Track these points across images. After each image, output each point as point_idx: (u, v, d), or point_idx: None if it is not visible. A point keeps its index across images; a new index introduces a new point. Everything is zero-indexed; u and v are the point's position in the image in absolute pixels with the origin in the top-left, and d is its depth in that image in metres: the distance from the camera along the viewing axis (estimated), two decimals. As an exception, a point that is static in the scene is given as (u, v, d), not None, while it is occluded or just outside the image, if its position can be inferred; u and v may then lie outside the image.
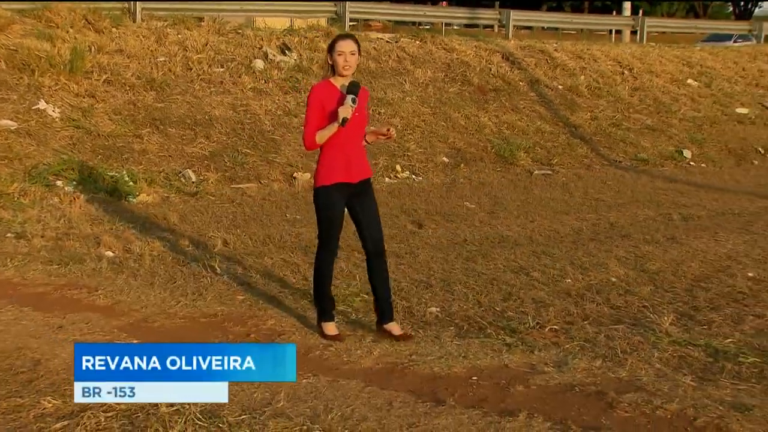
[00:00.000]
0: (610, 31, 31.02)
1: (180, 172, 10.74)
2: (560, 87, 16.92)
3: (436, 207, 10.65)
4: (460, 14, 23.76)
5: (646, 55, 19.40)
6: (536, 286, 6.85)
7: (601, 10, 54.89)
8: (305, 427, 3.76)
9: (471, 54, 16.96)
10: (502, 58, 17.32)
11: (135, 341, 5.25)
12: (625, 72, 18.32)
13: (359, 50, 5.08)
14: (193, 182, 10.57)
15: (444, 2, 52.95)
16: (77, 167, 10.04)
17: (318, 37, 15.52)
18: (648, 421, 4.10)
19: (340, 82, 5.03)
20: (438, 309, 6.13)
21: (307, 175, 11.26)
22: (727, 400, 4.32)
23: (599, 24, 28.40)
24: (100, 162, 10.44)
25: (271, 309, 6.11)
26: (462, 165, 13.07)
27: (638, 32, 23.14)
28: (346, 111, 4.83)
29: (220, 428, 3.76)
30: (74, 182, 9.77)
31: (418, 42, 16.76)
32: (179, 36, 14.04)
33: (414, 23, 26.55)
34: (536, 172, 13.36)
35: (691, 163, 15.03)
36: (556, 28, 28.17)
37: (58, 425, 3.77)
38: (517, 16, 21.21)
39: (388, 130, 5.28)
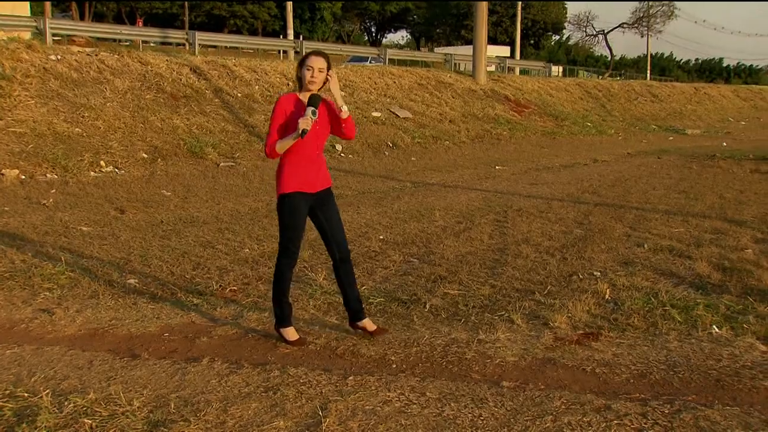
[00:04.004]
0: (279, 51, 31.40)
1: None
2: (239, 95, 16.84)
3: (136, 195, 10.19)
4: (153, 33, 22.75)
5: (306, 71, 19.84)
6: (220, 256, 6.81)
7: (272, 34, 55.40)
8: (8, 392, 3.44)
9: (164, 66, 16.33)
10: (191, 70, 16.88)
11: None
12: (290, 83, 18.62)
13: (329, 68, 4.25)
14: None
15: (140, 22, 50.39)
16: None
17: (20, 48, 14.07)
18: (303, 354, 4.27)
19: (303, 96, 4.27)
20: (136, 280, 5.88)
21: (15, 172, 10.23)
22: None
23: (270, 45, 28.56)
24: None
25: (-22, 291, 5.48)
26: (159, 160, 12.59)
27: (300, 52, 23.64)
28: (306, 123, 4.07)
29: None
30: None
31: (116, 56, 15.80)
32: None
33: (115, 40, 24.96)
34: (222, 164, 13.22)
35: (342, 154, 15.67)
36: (237, 47, 27.96)
37: None
38: (201, 37, 20.69)
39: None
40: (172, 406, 3.42)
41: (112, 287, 5.68)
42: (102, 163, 11.68)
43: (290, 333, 4.42)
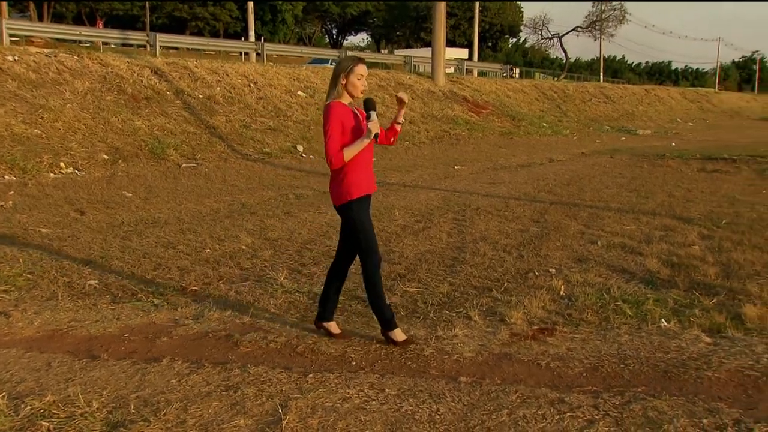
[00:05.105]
0: (241, 53, 31.16)
1: None
2: (201, 96, 16.65)
3: (97, 197, 10.01)
4: (113, 35, 22.38)
5: (267, 72, 19.73)
6: (181, 256, 6.73)
7: (234, 36, 54.90)
8: (-37, 396, 3.36)
9: (124, 68, 16.07)
10: (152, 72, 16.63)
11: None
12: (252, 85, 18.49)
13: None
14: None
15: (100, 23, 49.51)
16: None
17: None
18: (263, 352, 4.24)
19: (348, 101, 4.18)
20: (96, 281, 5.78)
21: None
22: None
23: (232, 47, 28.41)
24: None
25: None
26: (120, 161, 12.39)
27: (261, 54, 23.49)
28: (376, 126, 4.03)
29: None
30: None
31: (75, 57, 15.49)
32: None
33: (75, 41, 24.46)
34: (184, 165, 13.06)
35: (303, 155, 15.59)
36: (198, 49, 27.67)
37: None
38: (162, 39, 20.44)
39: (400, 99, 4.30)
40: (132, 406, 3.37)
41: (71, 289, 5.58)
42: (62, 164, 11.45)
43: (398, 334, 4.33)
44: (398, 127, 4.42)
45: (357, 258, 4.34)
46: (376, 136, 4.06)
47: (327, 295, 4.50)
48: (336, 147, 4.06)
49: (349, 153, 4.07)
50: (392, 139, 4.45)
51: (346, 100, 4.20)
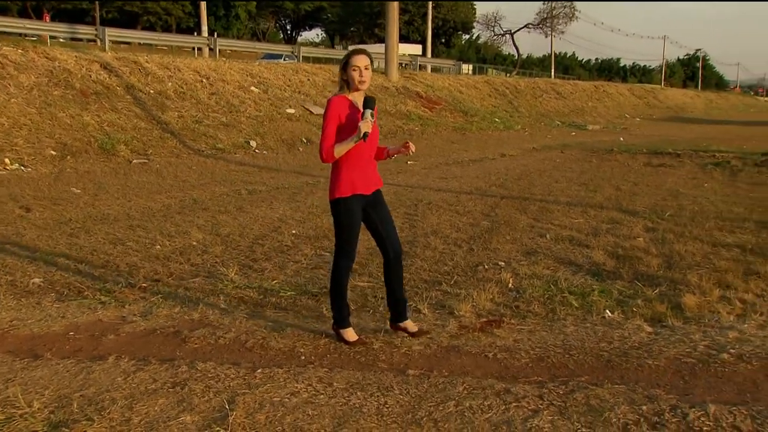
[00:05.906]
0: (193, 48, 30.69)
1: None
2: (152, 91, 16.37)
3: (44, 193, 9.76)
4: (61, 28, 21.83)
5: (219, 67, 19.49)
6: (130, 253, 6.60)
7: (187, 31, 54.06)
8: None
9: (72, 62, 15.70)
10: (101, 66, 16.28)
11: None
12: (204, 80, 18.25)
13: (372, 65, 4.04)
14: None
15: (46, 17, 48.18)
16: None
17: None
18: (212, 348, 4.18)
19: (353, 97, 4.04)
20: (41, 279, 5.63)
21: None
22: (269, 325, 4.58)
23: (184, 42, 27.91)
24: None
25: None
26: (69, 157, 12.11)
27: (214, 49, 23.18)
28: (366, 125, 3.86)
29: None
30: None
31: (20, 50, 15.07)
32: None
33: (20, 34, 23.76)
34: (134, 161, 12.84)
35: (256, 150, 15.45)
36: (150, 44, 27.17)
37: None
38: (112, 33, 20.06)
39: (407, 145, 4.17)
40: (75, 405, 3.29)
41: (14, 287, 5.42)
42: (6, 160, 11.15)
43: (350, 334, 4.27)
44: (385, 157, 4.33)
45: (355, 256, 4.28)
46: (365, 135, 3.89)
47: (390, 295, 4.37)
48: (328, 142, 3.96)
49: (338, 150, 3.97)
50: (381, 157, 4.35)
51: (350, 94, 4.06)
